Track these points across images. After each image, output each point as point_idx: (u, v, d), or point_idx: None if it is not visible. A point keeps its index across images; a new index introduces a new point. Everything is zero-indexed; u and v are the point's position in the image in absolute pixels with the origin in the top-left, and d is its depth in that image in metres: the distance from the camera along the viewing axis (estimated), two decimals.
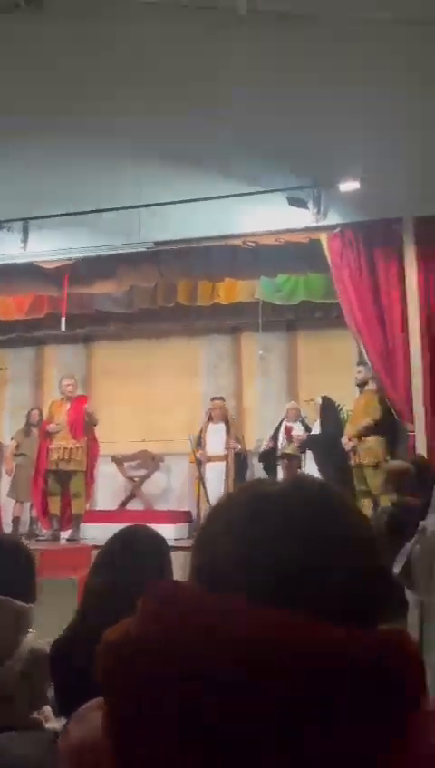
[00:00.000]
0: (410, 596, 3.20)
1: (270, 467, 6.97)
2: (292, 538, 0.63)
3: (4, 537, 1.74)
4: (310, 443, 6.86)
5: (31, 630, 1.63)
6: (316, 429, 6.92)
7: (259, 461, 7.19)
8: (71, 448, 6.66)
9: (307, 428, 7.12)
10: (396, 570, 3.16)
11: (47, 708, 1.58)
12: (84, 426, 6.75)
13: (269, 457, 7.04)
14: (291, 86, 5.94)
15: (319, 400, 7.02)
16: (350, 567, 0.63)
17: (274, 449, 7.04)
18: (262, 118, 5.98)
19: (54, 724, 1.54)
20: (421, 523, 3.11)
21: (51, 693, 1.62)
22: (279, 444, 7.03)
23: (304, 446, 6.88)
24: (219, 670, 0.56)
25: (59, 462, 6.67)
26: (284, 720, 0.55)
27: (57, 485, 6.75)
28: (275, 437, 7.16)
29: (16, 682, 1.39)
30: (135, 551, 1.52)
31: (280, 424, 7.28)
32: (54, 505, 6.76)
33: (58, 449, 6.68)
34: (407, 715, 0.58)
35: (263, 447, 7.18)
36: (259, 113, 5.99)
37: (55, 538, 6.74)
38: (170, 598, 0.62)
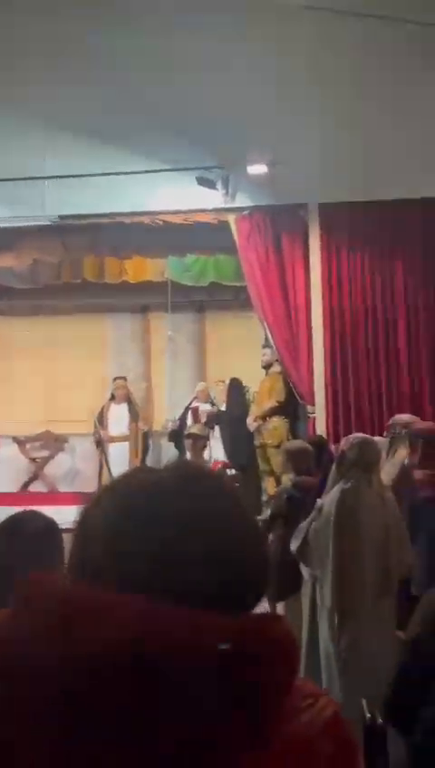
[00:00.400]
0: (305, 571, 3.33)
1: (179, 447, 7.01)
2: (160, 526, 0.63)
3: None
4: (216, 420, 6.95)
5: None
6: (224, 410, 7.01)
7: (169, 440, 7.21)
8: None
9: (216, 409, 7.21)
10: (293, 546, 3.28)
11: None
12: None
13: (178, 437, 7.06)
14: (205, 67, 5.89)
15: (227, 382, 7.11)
16: (220, 554, 0.63)
17: (182, 429, 7.07)
18: (174, 97, 5.89)
19: None
20: (318, 500, 3.23)
21: None
22: (188, 424, 7.07)
23: (210, 423, 6.96)
24: (73, 662, 0.55)
25: None
26: (142, 710, 0.55)
27: None
28: (183, 418, 7.19)
29: None
30: (22, 537, 1.48)
31: (189, 405, 7.31)
32: None
33: None
34: (269, 699, 0.59)
35: (171, 427, 7.19)
36: (172, 92, 5.90)
37: None
38: (33, 593, 0.61)
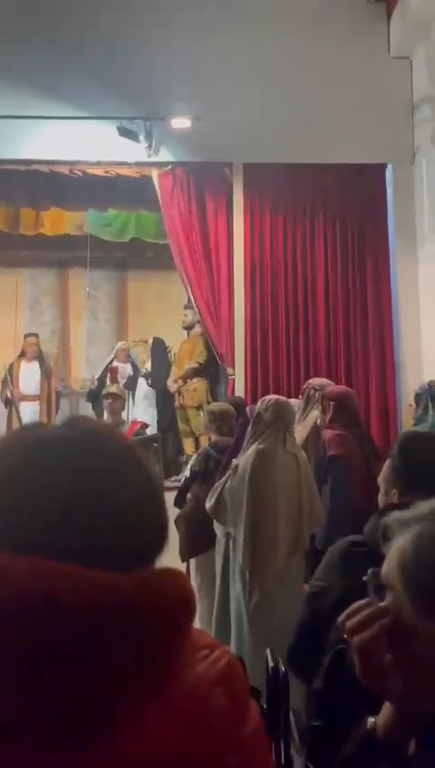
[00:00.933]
0: (218, 528, 3.39)
1: (97, 408, 6.90)
2: (52, 484, 0.61)
3: None
4: (134, 383, 6.89)
5: None
6: (147, 370, 6.94)
7: (86, 401, 7.08)
8: None
9: (136, 369, 7.13)
10: (208, 505, 3.32)
11: None
12: None
13: (95, 398, 6.95)
14: (135, 15, 5.61)
15: (150, 341, 7.03)
16: (115, 511, 0.62)
17: (100, 389, 6.96)
18: (98, 41, 5.60)
19: None
20: (233, 461, 3.28)
21: None
22: (107, 383, 6.96)
23: (130, 385, 6.89)
24: None
25: None
26: (38, 667, 0.55)
27: None
28: (102, 378, 7.07)
29: None
30: None
31: (108, 364, 7.20)
32: None
33: None
34: (160, 649, 0.59)
35: (89, 387, 7.06)
36: (99, 37, 5.60)
37: None
38: None
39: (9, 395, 6.80)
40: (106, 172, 6.07)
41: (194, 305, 6.19)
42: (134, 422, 6.47)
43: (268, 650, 1.85)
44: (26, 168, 5.98)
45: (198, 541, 3.56)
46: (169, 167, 5.89)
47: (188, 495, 3.87)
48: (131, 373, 7.08)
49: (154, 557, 0.65)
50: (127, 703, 0.57)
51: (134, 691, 0.57)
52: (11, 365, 6.99)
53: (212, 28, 5.65)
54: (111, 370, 7.01)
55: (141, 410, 6.98)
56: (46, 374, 7.02)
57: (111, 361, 7.13)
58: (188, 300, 6.32)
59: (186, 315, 6.54)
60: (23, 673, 0.54)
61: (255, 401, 3.81)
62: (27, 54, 5.55)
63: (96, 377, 7.01)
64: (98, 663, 0.56)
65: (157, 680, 0.59)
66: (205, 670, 0.63)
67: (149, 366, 6.97)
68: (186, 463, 6.08)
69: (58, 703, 0.55)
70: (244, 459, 3.17)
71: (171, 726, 0.58)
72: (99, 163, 5.92)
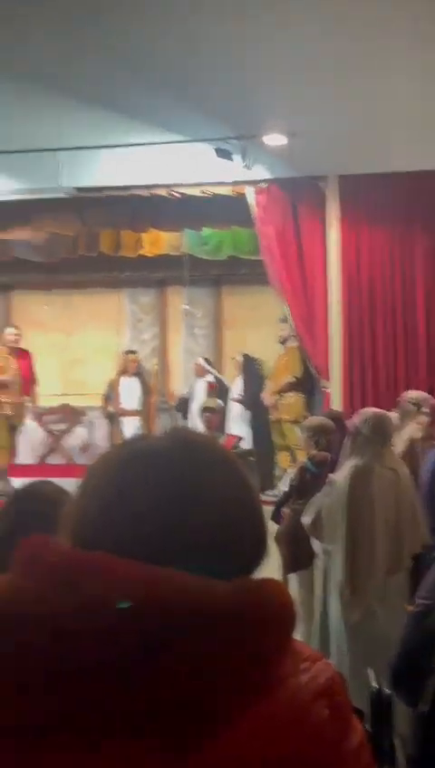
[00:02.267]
0: (317, 545, 3.35)
1: (186, 417, 7.12)
2: (158, 493, 0.63)
3: None
4: (185, 404, 7.06)
5: None
6: (238, 386, 7.02)
7: (176, 411, 7.31)
8: (21, 404, 6.74)
9: (221, 385, 7.30)
10: (305, 521, 3.29)
11: None
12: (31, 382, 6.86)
13: (185, 407, 7.19)
14: (223, 36, 5.75)
15: (240, 358, 7.10)
16: (217, 521, 0.64)
17: (190, 399, 7.24)
18: (192, 66, 5.77)
19: None
20: (330, 475, 3.23)
21: None
22: (195, 398, 7.18)
23: (180, 407, 7.07)
24: (79, 625, 0.57)
25: (11, 417, 6.69)
26: (145, 673, 0.56)
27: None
28: (191, 391, 7.30)
29: None
30: (34, 505, 1.50)
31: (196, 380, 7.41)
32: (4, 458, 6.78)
33: (10, 404, 6.68)
34: (263, 658, 0.60)
35: (177, 401, 7.33)
36: (190, 61, 5.78)
37: None
38: (38, 555, 0.62)
39: (111, 410, 7.09)
40: (202, 192, 6.23)
41: (289, 319, 6.20)
42: (230, 436, 6.54)
43: (371, 671, 1.81)
44: (128, 193, 6.25)
45: (298, 556, 3.53)
46: (264, 183, 5.95)
47: (285, 510, 3.86)
48: (182, 398, 7.25)
49: (254, 566, 0.66)
50: (229, 705, 0.58)
51: (237, 694, 0.58)
52: (112, 381, 7.30)
53: (300, 42, 5.66)
54: (209, 385, 7.14)
55: (235, 426, 7.05)
56: (146, 390, 7.26)
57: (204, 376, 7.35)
58: (284, 314, 6.33)
59: (282, 329, 6.55)
60: (125, 672, 0.56)
61: (351, 414, 3.75)
62: (128, 87, 5.83)
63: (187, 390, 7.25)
64: (200, 665, 0.57)
65: (259, 685, 0.59)
66: (308, 681, 0.63)
67: (239, 382, 7.04)
68: (280, 478, 6.06)
69: (162, 703, 0.56)
70: (341, 475, 3.12)
71: (273, 731, 0.58)
72: (196, 184, 6.09)
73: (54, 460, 7.85)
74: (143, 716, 0.56)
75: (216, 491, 0.65)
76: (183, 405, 7.21)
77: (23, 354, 6.91)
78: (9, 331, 6.86)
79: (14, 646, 0.58)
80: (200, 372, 7.40)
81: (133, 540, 0.61)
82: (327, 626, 3.11)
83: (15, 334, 6.84)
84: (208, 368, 7.49)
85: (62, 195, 6.16)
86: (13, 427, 6.80)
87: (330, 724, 0.62)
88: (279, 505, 3.94)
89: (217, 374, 7.47)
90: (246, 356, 7.05)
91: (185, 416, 7.05)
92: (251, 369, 7.00)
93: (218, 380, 7.29)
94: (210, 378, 7.40)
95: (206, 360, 7.59)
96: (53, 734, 0.56)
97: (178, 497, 0.63)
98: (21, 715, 0.57)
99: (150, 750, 0.56)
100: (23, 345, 7.15)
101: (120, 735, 0.56)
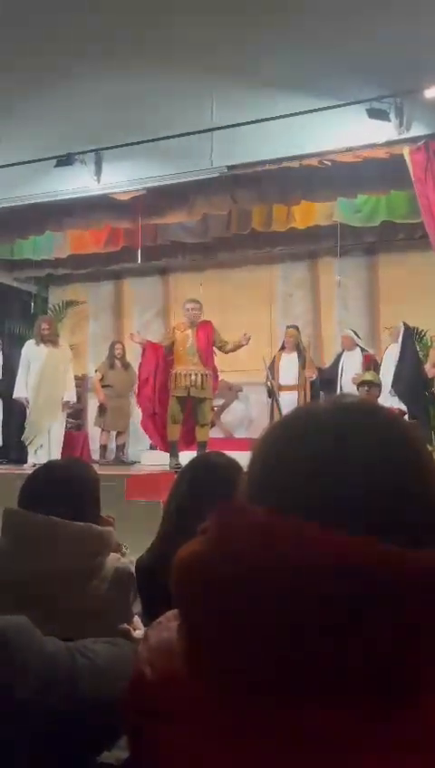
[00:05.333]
0: None
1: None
2: (350, 459, 0.61)
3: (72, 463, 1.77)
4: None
5: (125, 549, 1.71)
6: (395, 356, 6.74)
7: (319, 385, 7.24)
8: (201, 375, 6.40)
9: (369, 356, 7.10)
10: None
11: (136, 619, 1.69)
12: (212, 352, 6.56)
13: (328, 384, 7.10)
14: None
15: (401, 326, 6.81)
16: (420, 494, 0.61)
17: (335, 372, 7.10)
18: (336, 24, 5.53)
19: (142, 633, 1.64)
20: None
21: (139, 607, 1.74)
22: (339, 372, 7.03)
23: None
24: (288, 594, 0.57)
25: (190, 388, 6.40)
26: (355, 648, 0.56)
27: (180, 413, 6.46)
28: (335, 365, 7.18)
29: (103, 599, 1.48)
30: (210, 475, 1.56)
31: (340, 354, 7.24)
32: (175, 433, 6.50)
33: (188, 375, 6.37)
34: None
35: (320, 374, 7.24)
36: (332, 20, 5.54)
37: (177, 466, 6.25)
38: (239, 520, 0.63)
39: (270, 385, 7.14)
40: (355, 157, 6.00)
41: None
42: (389, 409, 6.32)
43: None
44: (278, 166, 6.20)
45: None
46: (422, 141, 5.58)
47: None
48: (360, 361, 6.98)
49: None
50: (432, 676, 0.56)
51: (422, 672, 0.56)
52: (274, 357, 7.34)
53: None
54: (365, 358, 6.95)
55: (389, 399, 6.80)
56: (303, 364, 7.23)
57: (343, 351, 7.13)
58: None
59: None
60: (338, 635, 0.56)
61: None
62: (274, 54, 5.73)
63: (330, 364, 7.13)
64: (405, 634, 0.56)
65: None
66: None
67: (396, 352, 6.73)
68: None
69: (367, 668, 0.56)
70: None
71: None
72: (348, 149, 5.87)
73: (214, 435, 8.13)
74: (350, 680, 0.56)
75: (419, 462, 0.62)
76: (328, 379, 7.09)
77: (202, 325, 6.61)
78: (189, 305, 6.57)
79: (246, 601, 0.58)
80: (348, 345, 7.21)
81: (339, 510, 0.59)
82: None
83: (192, 308, 6.52)
84: (357, 340, 7.28)
85: (215, 174, 6.26)
86: (198, 401, 6.51)
87: None
88: None
89: (364, 347, 7.24)
90: (405, 325, 6.75)
91: (328, 390, 6.92)
92: (409, 340, 6.68)
93: (363, 352, 7.11)
94: (363, 351, 7.19)
95: (354, 332, 7.38)
96: (272, 691, 0.58)
97: (383, 464, 0.61)
98: (254, 671, 0.58)
99: (353, 712, 0.56)
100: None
101: (325, 698, 0.56)
